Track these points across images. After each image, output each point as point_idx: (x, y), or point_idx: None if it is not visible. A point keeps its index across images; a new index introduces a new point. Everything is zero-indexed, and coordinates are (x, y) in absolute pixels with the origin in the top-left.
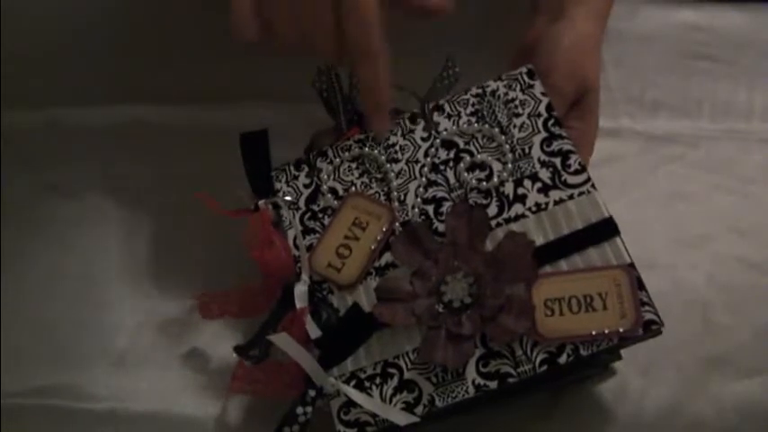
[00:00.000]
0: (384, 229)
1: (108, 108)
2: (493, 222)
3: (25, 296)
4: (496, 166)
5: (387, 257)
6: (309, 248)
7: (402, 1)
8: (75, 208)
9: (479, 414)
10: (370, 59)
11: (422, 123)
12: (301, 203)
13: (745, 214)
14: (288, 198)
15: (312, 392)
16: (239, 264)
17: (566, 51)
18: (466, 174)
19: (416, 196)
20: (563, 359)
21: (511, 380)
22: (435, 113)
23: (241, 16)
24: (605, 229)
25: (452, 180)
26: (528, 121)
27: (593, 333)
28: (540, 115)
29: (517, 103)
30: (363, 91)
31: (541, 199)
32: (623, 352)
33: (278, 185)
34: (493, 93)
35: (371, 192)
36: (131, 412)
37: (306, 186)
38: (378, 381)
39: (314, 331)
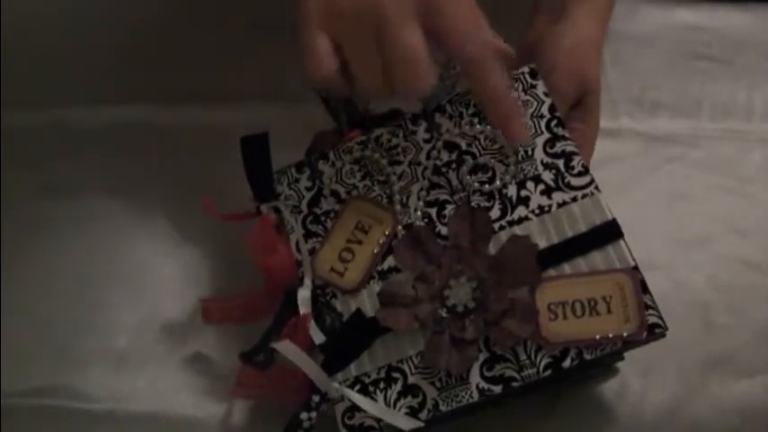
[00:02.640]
0: (387, 233)
1: (108, 108)
2: (496, 225)
3: (24, 296)
4: (499, 168)
5: (390, 261)
6: (312, 252)
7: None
8: (75, 208)
9: (480, 414)
10: (487, 70)
11: (424, 125)
12: (303, 207)
13: (745, 214)
14: (290, 202)
15: (316, 398)
16: (241, 266)
17: (567, 52)
18: (468, 176)
19: (419, 199)
20: (567, 363)
21: (515, 384)
22: (437, 115)
23: (318, 57)
24: (609, 232)
25: (455, 182)
26: (531, 123)
27: (598, 337)
28: (542, 116)
29: (520, 103)
30: (489, 103)
31: (545, 201)
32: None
33: (279, 188)
34: None
35: (374, 194)
36: (130, 413)
37: (308, 189)
38: (382, 385)
39: (318, 336)
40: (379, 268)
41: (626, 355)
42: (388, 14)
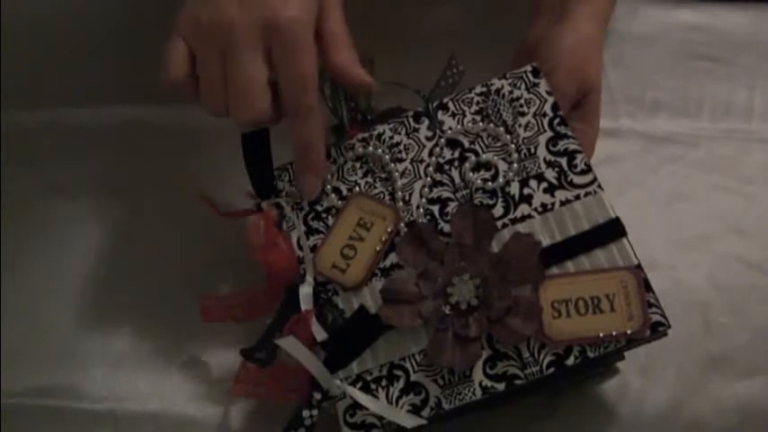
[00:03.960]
0: (389, 230)
1: (108, 108)
2: (499, 223)
3: (25, 296)
4: (502, 166)
5: (392, 258)
6: (313, 249)
7: (336, 71)
8: (75, 208)
9: (479, 413)
10: (305, 119)
11: (426, 122)
12: (305, 203)
13: (745, 214)
14: (291, 198)
15: (318, 395)
16: (241, 265)
17: (568, 52)
18: (471, 173)
19: (421, 196)
20: (570, 361)
21: (518, 382)
22: (440, 112)
23: (170, 61)
24: (612, 230)
25: (457, 180)
26: (533, 121)
27: (601, 335)
28: (545, 114)
29: (522, 101)
30: (298, 149)
31: (547, 199)
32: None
33: (280, 185)
34: (498, 91)
35: (376, 192)
36: (131, 412)
37: None
38: (384, 383)
39: (320, 333)
40: (382, 265)
41: (626, 354)
42: (233, 38)
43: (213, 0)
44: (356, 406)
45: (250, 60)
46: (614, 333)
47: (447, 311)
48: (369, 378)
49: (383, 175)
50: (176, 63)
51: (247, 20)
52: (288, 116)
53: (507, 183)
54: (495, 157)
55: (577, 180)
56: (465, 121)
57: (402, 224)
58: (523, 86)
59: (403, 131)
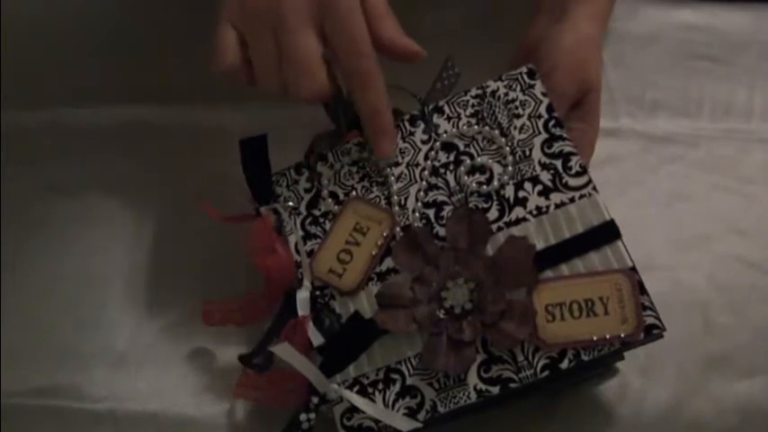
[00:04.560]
0: (385, 234)
1: (108, 108)
2: (493, 226)
3: (25, 296)
4: (497, 169)
5: (388, 263)
6: (311, 254)
7: (383, 43)
8: (75, 208)
9: (475, 416)
10: (370, 82)
11: (422, 125)
12: (302, 208)
13: (745, 214)
14: (289, 204)
15: (315, 399)
16: (241, 267)
17: (567, 52)
18: (466, 177)
19: (417, 200)
20: (565, 364)
21: (513, 385)
22: (435, 115)
23: (222, 48)
24: (607, 233)
25: (453, 183)
26: (528, 123)
27: (595, 338)
28: (540, 116)
29: (517, 103)
30: (367, 115)
31: (542, 202)
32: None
33: (278, 190)
34: (493, 93)
35: (372, 196)
36: (131, 413)
37: (306, 191)
38: (380, 386)
39: (316, 338)
40: (378, 270)
41: (626, 354)
42: (285, 16)
43: None
44: (353, 409)
45: (305, 35)
46: (608, 336)
47: (441, 316)
48: (365, 382)
49: (379, 180)
50: (228, 48)
51: None
52: (351, 85)
53: (502, 186)
54: (490, 161)
55: (572, 182)
56: (460, 123)
57: (398, 229)
58: (519, 88)
59: (399, 135)
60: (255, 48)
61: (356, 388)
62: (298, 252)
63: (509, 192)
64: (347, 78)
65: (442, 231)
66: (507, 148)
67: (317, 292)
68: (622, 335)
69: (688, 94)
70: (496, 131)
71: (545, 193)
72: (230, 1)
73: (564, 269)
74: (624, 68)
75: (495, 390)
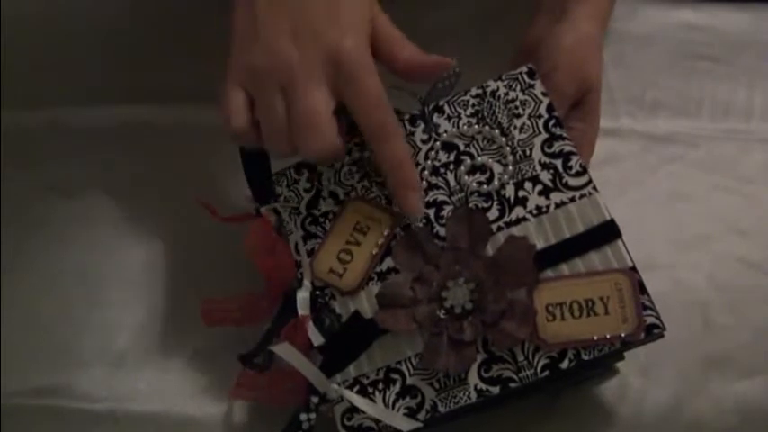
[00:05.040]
0: (385, 234)
1: (108, 108)
2: (494, 226)
3: (25, 296)
4: (497, 169)
5: (388, 262)
6: (311, 254)
7: (408, 67)
8: (75, 208)
9: (476, 416)
10: (390, 137)
11: (422, 125)
12: (302, 208)
13: (745, 214)
14: (289, 203)
15: (315, 399)
16: (241, 267)
17: (567, 51)
18: (466, 177)
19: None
20: (565, 364)
21: (513, 385)
22: (435, 115)
23: (230, 110)
24: (607, 232)
25: (453, 183)
26: (528, 123)
27: (595, 338)
28: (540, 116)
29: (518, 103)
30: (389, 169)
31: (542, 202)
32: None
33: (278, 190)
34: (493, 93)
35: (372, 196)
36: (131, 413)
37: (306, 191)
38: (380, 386)
39: (317, 338)
40: (378, 269)
41: (626, 354)
42: (296, 75)
43: (266, 44)
44: (353, 409)
45: (316, 94)
46: (608, 336)
47: (442, 315)
48: (365, 382)
49: (379, 179)
50: (237, 111)
51: (307, 56)
52: (369, 140)
53: (502, 185)
54: (491, 160)
55: (572, 182)
56: (460, 123)
57: (398, 228)
58: (519, 88)
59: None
60: (263, 109)
61: (356, 388)
62: (298, 252)
63: (509, 191)
64: (365, 133)
65: (442, 231)
66: (507, 148)
67: (318, 292)
68: (623, 334)
69: (688, 94)
70: (497, 131)
71: (545, 192)
72: (238, 65)
73: (564, 269)
74: (624, 68)
75: (496, 389)
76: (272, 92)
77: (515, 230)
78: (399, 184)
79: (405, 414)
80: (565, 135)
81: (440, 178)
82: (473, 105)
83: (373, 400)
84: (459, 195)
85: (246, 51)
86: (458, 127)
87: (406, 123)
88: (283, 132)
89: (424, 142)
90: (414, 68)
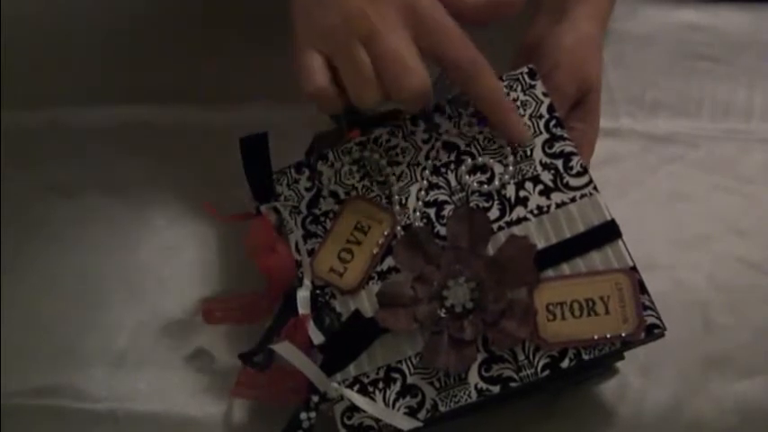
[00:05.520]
0: (386, 234)
1: (108, 108)
2: (494, 226)
3: (25, 296)
4: (498, 169)
5: (389, 262)
6: (311, 253)
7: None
8: (75, 208)
9: (479, 414)
10: (484, 71)
11: (422, 125)
12: (302, 207)
13: (745, 214)
14: (289, 203)
15: (316, 398)
16: (241, 267)
17: (568, 51)
18: (467, 176)
19: (418, 199)
20: (565, 364)
21: (513, 384)
22: (436, 114)
23: (310, 71)
24: (607, 232)
25: (454, 183)
26: (529, 123)
27: (596, 338)
28: (541, 116)
29: (518, 103)
30: (490, 106)
31: (543, 202)
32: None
33: (279, 189)
34: None
35: (373, 195)
36: (131, 412)
37: (307, 190)
38: (381, 385)
39: (317, 337)
40: (379, 269)
41: (626, 354)
42: (374, 25)
43: (336, 3)
44: (353, 408)
45: (398, 37)
46: (609, 335)
47: (442, 315)
48: (366, 381)
49: (380, 179)
50: (317, 71)
51: (381, 8)
52: (464, 80)
53: (503, 185)
54: (492, 160)
55: (573, 182)
56: (461, 123)
57: (399, 228)
58: (520, 88)
59: (400, 134)
60: (347, 62)
61: (357, 387)
62: (298, 251)
63: (510, 191)
64: (457, 73)
65: (442, 231)
66: (508, 148)
67: (318, 291)
68: (623, 334)
69: (688, 94)
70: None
71: (546, 192)
72: (303, 27)
73: (565, 268)
74: (624, 68)
75: (496, 389)
76: (352, 45)
77: (516, 230)
78: (503, 113)
79: (405, 413)
80: (566, 135)
81: (441, 178)
82: (474, 105)
83: (373, 399)
84: (460, 195)
85: (313, 15)
86: (458, 126)
87: (407, 123)
88: (373, 82)
89: (424, 142)
90: (480, 11)
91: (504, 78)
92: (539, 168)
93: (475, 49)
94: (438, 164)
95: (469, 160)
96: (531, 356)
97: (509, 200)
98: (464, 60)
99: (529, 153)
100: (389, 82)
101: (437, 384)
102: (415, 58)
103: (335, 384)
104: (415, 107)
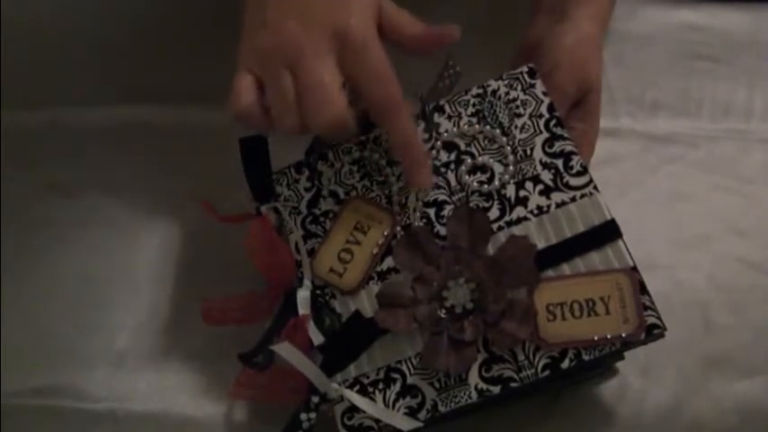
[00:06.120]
0: (385, 234)
1: (108, 108)
2: (494, 226)
3: (25, 296)
4: (498, 168)
5: (388, 262)
6: (311, 253)
7: (415, 41)
8: (75, 208)
9: (479, 414)
10: (398, 114)
11: (422, 125)
12: (302, 207)
13: (745, 214)
14: (289, 203)
15: (316, 398)
16: (241, 267)
17: (568, 51)
18: (467, 176)
19: (418, 199)
20: (565, 364)
21: (513, 385)
22: (436, 114)
23: (237, 91)
24: (608, 232)
25: (453, 183)
26: (529, 122)
27: (596, 338)
28: (541, 116)
29: (518, 103)
30: (399, 146)
31: (543, 201)
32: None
33: (279, 189)
34: (494, 92)
35: (372, 195)
36: (131, 412)
37: (307, 190)
38: (381, 386)
39: (317, 337)
40: (378, 269)
41: (626, 354)
42: (302, 51)
43: (272, 26)
44: (354, 409)
45: (324, 67)
46: (609, 336)
47: (442, 315)
48: (366, 381)
49: (380, 179)
50: (244, 91)
51: (314, 34)
52: (377, 116)
53: (503, 185)
54: (491, 160)
55: (573, 182)
56: (461, 123)
57: (398, 228)
58: (519, 87)
59: None
60: (272, 87)
61: (357, 387)
62: (298, 251)
63: (510, 191)
64: (373, 109)
65: (442, 231)
66: (508, 148)
67: (318, 292)
68: (624, 334)
69: (688, 94)
70: (497, 131)
71: (546, 192)
72: (246, 50)
73: (565, 268)
74: (624, 68)
75: (496, 389)
76: (279, 69)
77: (516, 230)
78: (411, 162)
79: (405, 414)
80: (566, 135)
81: (440, 178)
82: (474, 105)
83: (374, 400)
84: (460, 195)
85: (254, 36)
86: (459, 126)
87: None
88: (292, 108)
89: (424, 141)
90: (420, 40)
91: (504, 77)
92: (539, 168)
93: (397, 86)
94: (438, 164)
95: (469, 160)
96: (531, 357)
97: (509, 200)
98: (382, 98)
99: (529, 152)
100: (307, 111)
101: (437, 385)
102: (337, 91)
103: (335, 385)
104: (332, 138)
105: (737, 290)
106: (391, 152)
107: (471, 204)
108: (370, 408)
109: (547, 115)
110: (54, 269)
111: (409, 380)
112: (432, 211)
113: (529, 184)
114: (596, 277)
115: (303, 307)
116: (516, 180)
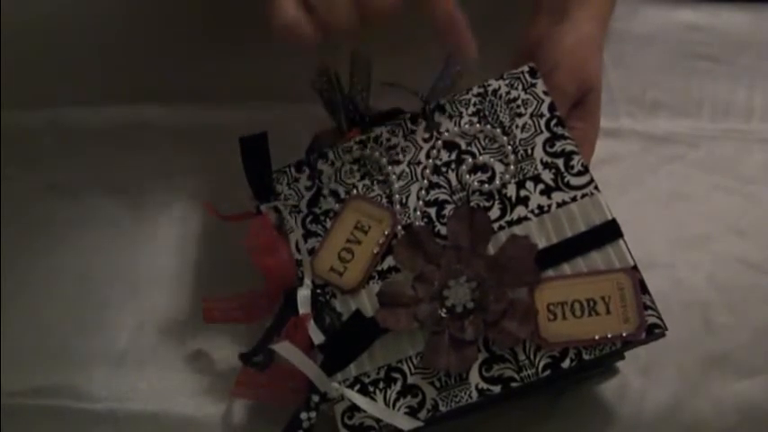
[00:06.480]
0: (386, 233)
1: (108, 108)
2: (495, 225)
3: (25, 296)
4: (499, 168)
5: (389, 261)
6: (311, 252)
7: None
8: (75, 208)
9: (477, 415)
10: None
11: (423, 124)
12: (303, 206)
13: (745, 214)
14: (289, 202)
15: (316, 398)
16: (241, 266)
17: (568, 51)
18: (468, 176)
19: (418, 199)
20: (566, 364)
21: (514, 384)
22: (437, 113)
23: (280, 3)
24: (608, 232)
25: (454, 182)
26: (530, 122)
27: (597, 338)
28: (542, 115)
29: (519, 102)
30: (442, 22)
31: (544, 201)
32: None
33: (279, 188)
34: (495, 92)
35: (373, 194)
36: (131, 412)
37: (307, 189)
38: (381, 385)
39: (317, 336)
40: (379, 268)
41: (626, 354)
42: None
43: None
44: (354, 408)
45: None
46: (610, 335)
47: (443, 314)
48: (366, 381)
49: (380, 178)
50: (285, 2)
51: None
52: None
53: (504, 185)
54: (492, 159)
55: (574, 181)
56: (462, 122)
57: (399, 227)
58: (520, 87)
59: (400, 133)
60: None
61: (357, 387)
62: (298, 250)
63: (511, 191)
64: None
65: (443, 230)
66: (509, 147)
67: (318, 291)
68: (624, 334)
69: (688, 94)
70: (498, 130)
71: (547, 192)
72: None
73: (566, 268)
74: (624, 68)
75: (497, 389)
76: None
77: (517, 230)
78: (455, 33)
79: (405, 413)
80: (567, 134)
81: (441, 177)
82: (475, 104)
83: (374, 399)
84: (461, 194)
85: None
86: (459, 126)
87: (408, 122)
88: (344, 4)
89: (425, 141)
90: (448, 24)
91: (505, 77)
92: (539, 167)
93: None
94: (439, 163)
95: (470, 159)
96: (531, 356)
97: (510, 199)
98: None
99: (530, 152)
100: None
101: (438, 384)
102: None
103: (336, 384)
104: (384, 21)
105: (737, 290)
106: (435, 33)
107: (472, 204)
108: (371, 407)
109: (548, 115)
110: (54, 269)
111: (410, 379)
112: (432, 211)
113: (530, 184)
114: (597, 277)
115: (303, 306)
116: (517, 179)
